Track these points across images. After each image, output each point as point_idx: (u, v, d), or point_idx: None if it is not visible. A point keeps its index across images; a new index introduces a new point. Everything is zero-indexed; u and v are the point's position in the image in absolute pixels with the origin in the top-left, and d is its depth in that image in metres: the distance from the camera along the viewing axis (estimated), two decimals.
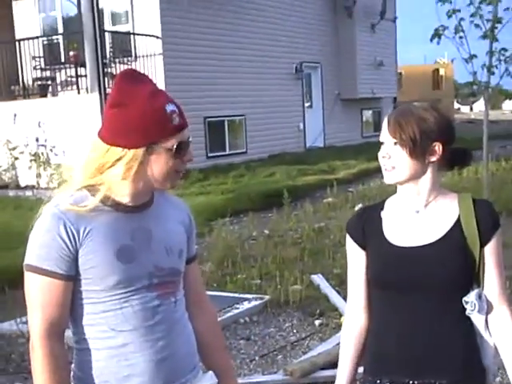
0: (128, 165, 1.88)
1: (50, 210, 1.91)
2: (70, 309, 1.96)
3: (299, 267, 7.58)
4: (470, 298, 2.10)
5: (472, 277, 2.14)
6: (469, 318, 2.14)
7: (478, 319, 2.14)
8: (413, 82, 37.78)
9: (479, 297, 2.11)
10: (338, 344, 5.29)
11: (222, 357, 2.25)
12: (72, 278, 1.91)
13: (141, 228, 1.97)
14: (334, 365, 4.73)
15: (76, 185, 1.96)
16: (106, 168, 1.91)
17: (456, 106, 55.11)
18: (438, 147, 2.13)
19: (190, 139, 1.95)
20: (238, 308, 6.25)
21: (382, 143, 2.17)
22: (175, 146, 1.89)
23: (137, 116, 1.86)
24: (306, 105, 21.67)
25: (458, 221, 2.14)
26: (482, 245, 2.12)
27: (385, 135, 2.15)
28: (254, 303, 6.38)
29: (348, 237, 2.29)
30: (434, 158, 2.14)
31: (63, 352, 1.94)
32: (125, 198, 1.95)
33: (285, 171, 15.40)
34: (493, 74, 10.67)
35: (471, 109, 54.85)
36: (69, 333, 2.02)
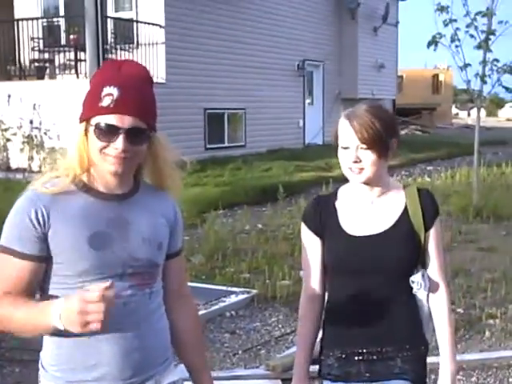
0: (77, 139, 1.94)
1: (26, 193, 1.94)
2: (42, 294, 1.96)
3: (289, 263, 7.56)
4: (416, 278, 2.31)
5: (418, 259, 2.33)
6: (414, 296, 2.33)
7: (422, 296, 2.35)
8: (413, 85, 37.84)
9: (423, 276, 2.31)
10: None
11: (198, 354, 2.23)
12: (41, 259, 1.91)
13: (118, 217, 1.97)
14: (315, 361, 4.74)
15: (56, 171, 1.98)
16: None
17: (454, 110, 55.14)
18: (395, 143, 2.29)
19: (128, 127, 1.89)
20: (224, 301, 6.22)
21: (345, 148, 2.24)
22: (94, 125, 1.90)
23: (86, 93, 1.95)
24: (307, 102, 21.69)
25: (406, 210, 2.32)
26: (426, 230, 2.32)
27: (351, 140, 2.23)
28: (240, 297, 6.35)
29: (304, 225, 2.41)
30: (391, 154, 2.30)
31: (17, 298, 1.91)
32: (97, 184, 1.96)
33: (282, 166, 15.40)
34: (485, 83, 10.98)
35: (469, 114, 54.98)
36: None
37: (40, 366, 2.01)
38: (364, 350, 2.32)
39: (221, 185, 12.94)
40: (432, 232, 2.33)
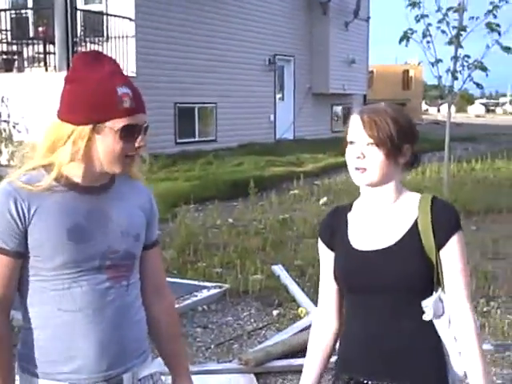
0: (75, 142, 1.87)
1: (2, 187, 1.89)
2: (19, 286, 1.94)
3: (261, 257, 7.55)
4: (428, 302, 2.04)
5: (431, 280, 2.07)
6: (431, 323, 2.07)
7: (439, 324, 2.07)
8: (384, 81, 38.11)
9: (440, 301, 2.05)
10: (294, 334, 5.33)
11: (175, 345, 2.22)
12: (20, 255, 1.89)
13: (96, 209, 1.95)
14: (288, 355, 4.75)
15: (31, 163, 1.93)
16: (58, 146, 1.89)
17: (424, 106, 55.68)
18: (408, 149, 2.11)
19: (146, 125, 1.92)
20: (196, 296, 6.19)
21: (351, 142, 2.09)
22: (120, 128, 1.86)
23: (87, 93, 1.86)
24: (278, 97, 21.72)
25: (416, 224, 2.08)
26: (439, 248, 2.06)
27: (358, 135, 2.07)
28: (212, 291, 6.33)
29: (319, 239, 2.27)
30: (403, 160, 2.11)
31: (6, 328, 1.91)
32: (79, 178, 1.93)
33: (253, 161, 15.39)
34: (456, 78, 11.06)
35: (438, 110, 55.55)
36: (17, 314, 2.00)
37: (17, 358, 1.99)
38: (369, 382, 2.11)
39: (191, 179, 12.89)
40: (447, 250, 2.05)
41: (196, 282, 6.57)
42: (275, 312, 5.94)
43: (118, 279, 1.96)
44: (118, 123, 1.85)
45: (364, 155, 2.05)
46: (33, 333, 1.93)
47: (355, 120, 2.09)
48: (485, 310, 5.95)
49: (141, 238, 2.04)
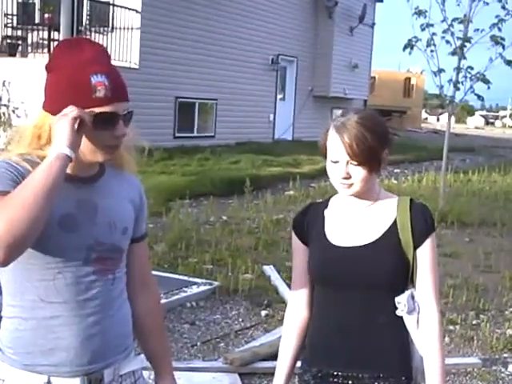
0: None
1: (1, 160, 1.85)
2: (2, 274, 1.89)
3: (252, 257, 7.55)
4: (402, 299, 2.15)
5: (407, 278, 2.18)
6: (402, 318, 2.17)
7: (409, 319, 2.18)
8: (385, 87, 38.03)
9: (412, 297, 2.16)
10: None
11: (160, 341, 2.20)
12: None
13: (86, 200, 1.92)
14: (275, 356, 4.70)
15: (19, 149, 1.90)
16: (42, 137, 1.88)
17: (424, 115, 55.71)
18: (387, 154, 2.18)
19: (125, 112, 1.88)
20: (185, 291, 6.18)
21: (334, 162, 2.14)
22: (92, 118, 1.82)
23: (62, 82, 1.83)
24: (279, 97, 21.69)
25: (395, 223, 2.18)
26: (416, 247, 2.16)
27: (341, 155, 2.12)
28: (202, 288, 6.31)
29: (292, 232, 2.33)
30: (384, 165, 2.20)
31: None
32: (68, 168, 1.87)
33: (250, 160, 15.37)
34: (458, 89, 11.08)
35: (438, 119, 55.68)
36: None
37: None
38: (339, 373, 2.19)
39: (188, 174, 12.86)
40: (422, 250, 2.16)
41: (186, 278, 6.55)
42: (264, 312, 5.92)
43: (103, 273, 1.93)
44: (91, 113, 1.82)
45: (350, 175, 2.13)
46: (14, 323, 1.90)
47: (335, 139, 2.13)
48: (474, 322, 5.94)
49: (128, 231, 2.02)
